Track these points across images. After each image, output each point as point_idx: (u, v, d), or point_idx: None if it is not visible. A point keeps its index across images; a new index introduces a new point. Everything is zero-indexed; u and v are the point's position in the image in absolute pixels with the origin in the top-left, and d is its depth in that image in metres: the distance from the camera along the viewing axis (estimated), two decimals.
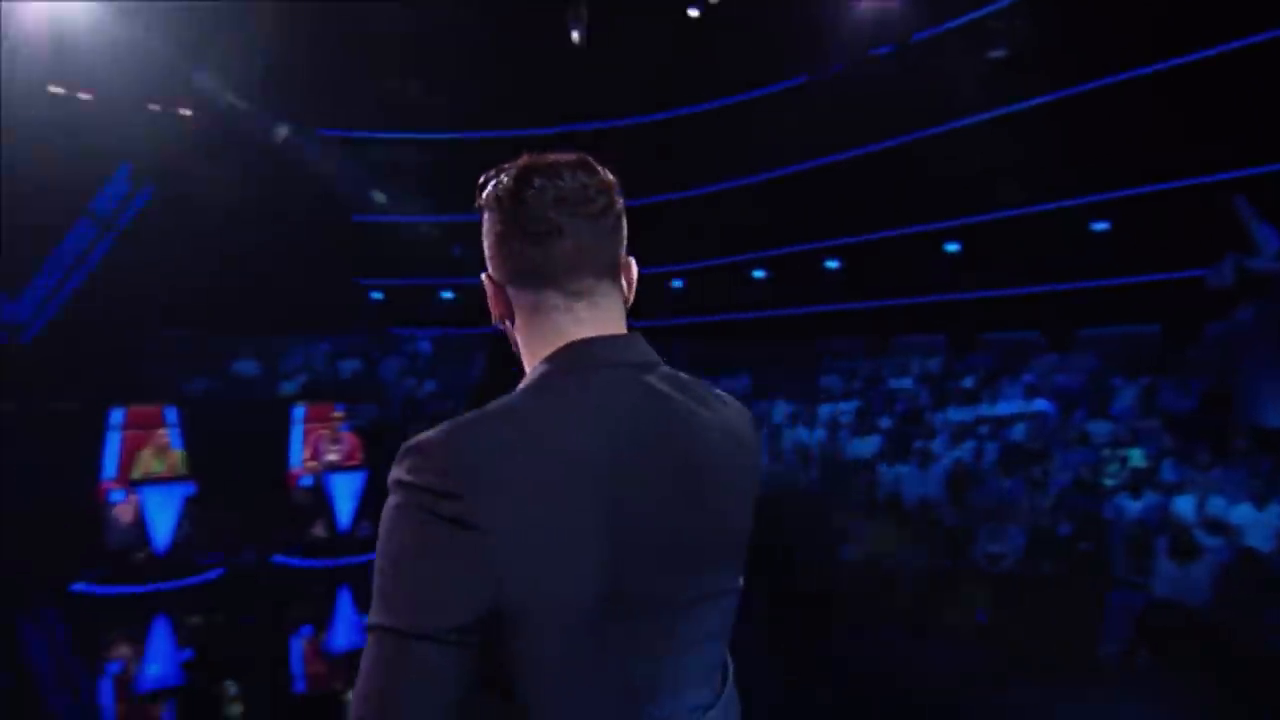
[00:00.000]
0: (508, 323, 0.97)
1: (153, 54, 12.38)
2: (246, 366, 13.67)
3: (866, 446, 8.82)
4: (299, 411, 8.45)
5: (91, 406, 7.77)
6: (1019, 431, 7.95)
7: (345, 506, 7.75)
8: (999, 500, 6.63)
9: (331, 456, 8.14)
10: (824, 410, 9.63)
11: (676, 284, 12.25)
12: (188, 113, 13.62)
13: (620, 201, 0.96)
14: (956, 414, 8.75)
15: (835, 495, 8.17)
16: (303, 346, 14.16)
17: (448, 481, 0.77)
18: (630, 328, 0.97)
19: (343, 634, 6.50)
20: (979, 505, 6.75)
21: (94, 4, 11.04)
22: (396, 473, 0.79)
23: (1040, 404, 8.39)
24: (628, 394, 0.88)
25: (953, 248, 11.22)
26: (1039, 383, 8.98)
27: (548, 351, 0.91)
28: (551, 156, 0.93)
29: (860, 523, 7.66)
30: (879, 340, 11.04)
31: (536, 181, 0.90)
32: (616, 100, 12.00)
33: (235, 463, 8.36)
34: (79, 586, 6.66)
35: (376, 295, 14.90)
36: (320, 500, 7.74)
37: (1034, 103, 9.98)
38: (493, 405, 0.86)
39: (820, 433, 9.29)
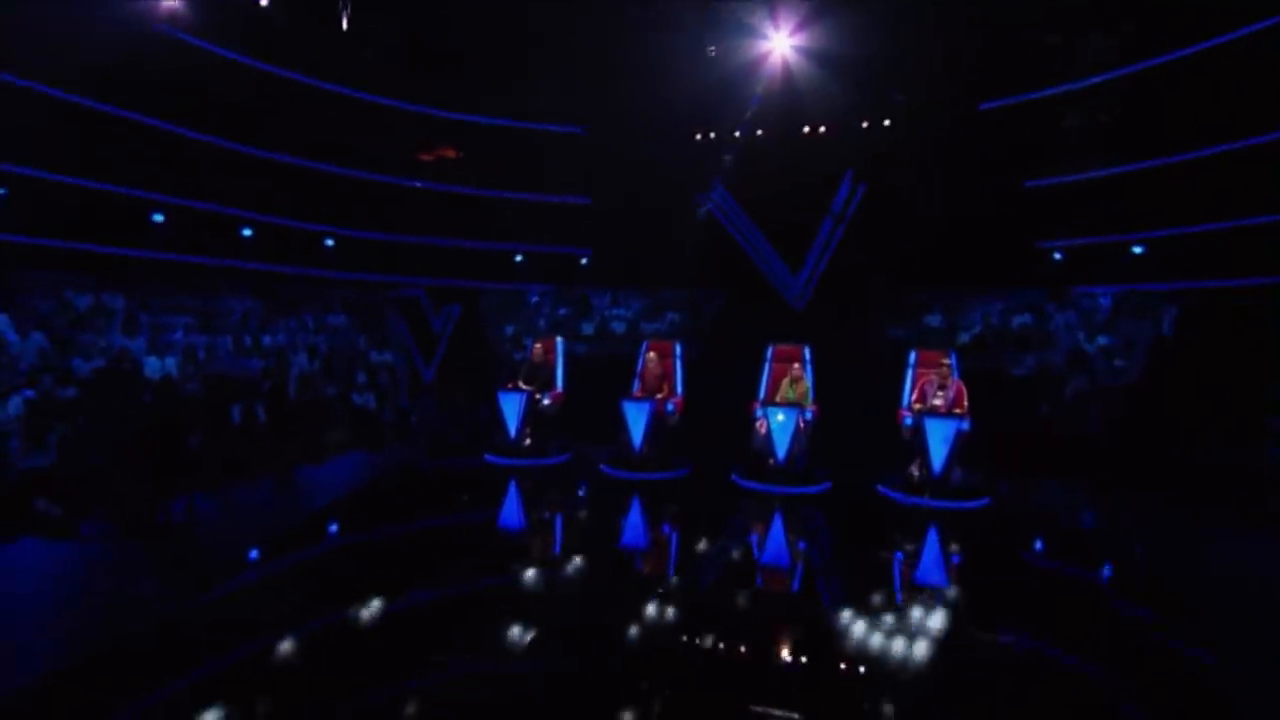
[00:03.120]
0: None
1: (859, 85, 12.49)
2: (934, 319, 12.91)
3: None
4: (912, 356, 7.19)
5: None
6: None
7: (939, 450, 6.26)
8: None
9: (935, 401, 6.70)
10: None
11: None
12: (888, 123, 13.22)
13: None
14: None
15: None
16: (981, 302, 12.65)
17: None
18: None
19: (931, 569, 5.21)
20: None
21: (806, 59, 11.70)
22: None
23: None
24: None
25: None
26: None
27: None
28: None
29: None
30: None
31: None
32: None
33: (857, 397, 7.64)
34: (735, 476, 6.92)
35: (1058, 256, 12.02)
36: (919, 441, 6.42)
37: None
38: None
39: None
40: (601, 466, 7.29)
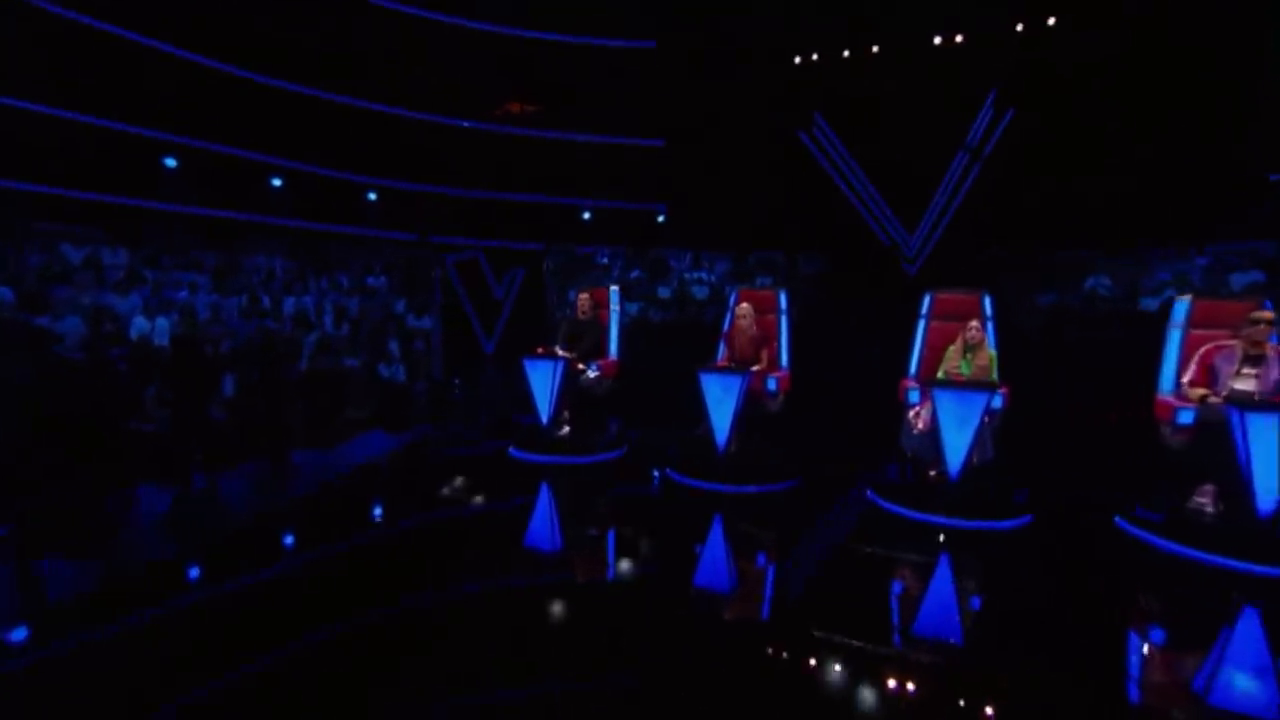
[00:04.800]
0: None
1: None
2: (1099, 282, 9.59)
3: None
4: (1181, 309, 4.22)
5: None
6: None
7: (1267, 471, 3.35)
8: None
9: (1242, 384, 3.75)
10: None
11: None
12: (1052, 21, 9.84)
13: None
14: None
15: None
16: (1170, 258, 9.25)
17: None
18: None
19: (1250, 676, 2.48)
20: None
21: None
22: None
23: None
24: None
25: None
26: None
27: None
28: None
29: None
30: None
31: None
32: None
33: (1025, 381, 4.79)
34: (871, 495, 4.32)
35: None
36: (1215, 451, 3.54)
37: None
38: None
39: None
40: (669, 470, 4.82)
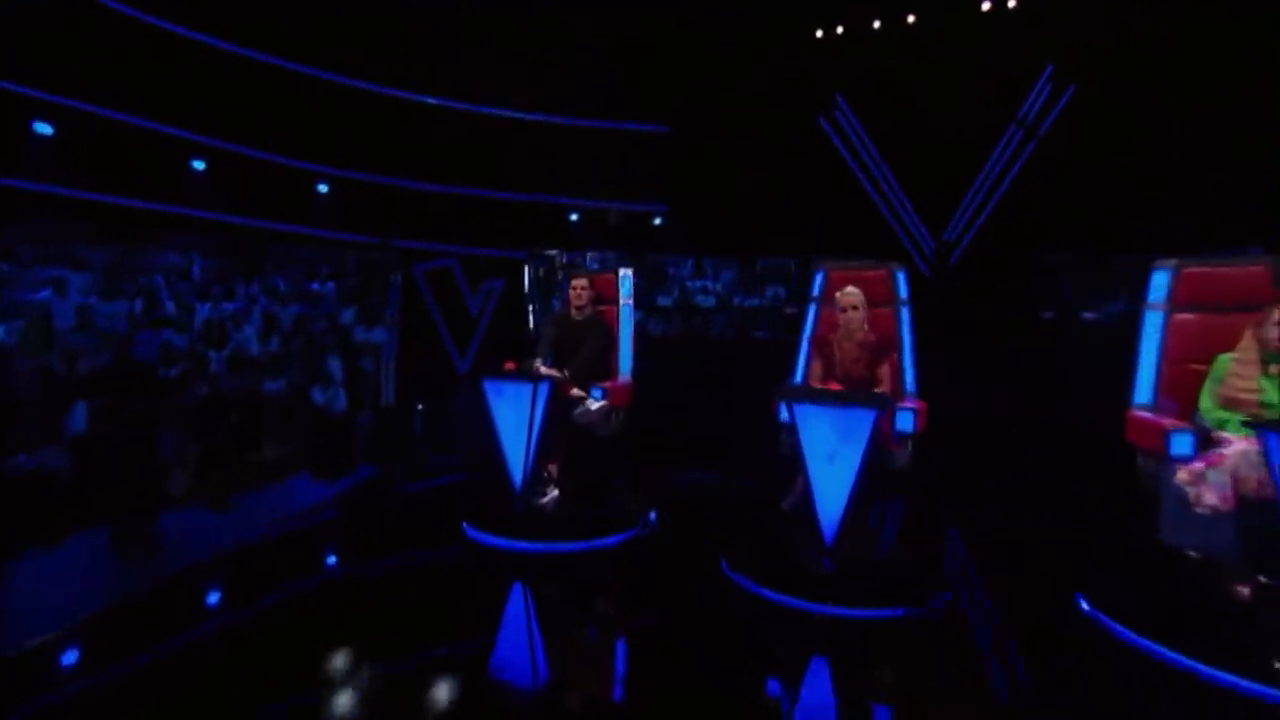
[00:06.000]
0: None
1: None
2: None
3: None
4: None
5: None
6: None
7: None
8: None
9: None
10: None
11: None
12: None
13: None
14: None
15: None
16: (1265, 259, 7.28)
17: None
18: None
19: None
20: None
21: None
22: None
23: None
24: None
25: None
26: None
27: None
28: None
29: None
30: None
31: None
32: None
33: None
34: (1115, 628, 2.23)
35: None
36: None
37: None
38: None
39: None
40: (730, 570, 2.69)
